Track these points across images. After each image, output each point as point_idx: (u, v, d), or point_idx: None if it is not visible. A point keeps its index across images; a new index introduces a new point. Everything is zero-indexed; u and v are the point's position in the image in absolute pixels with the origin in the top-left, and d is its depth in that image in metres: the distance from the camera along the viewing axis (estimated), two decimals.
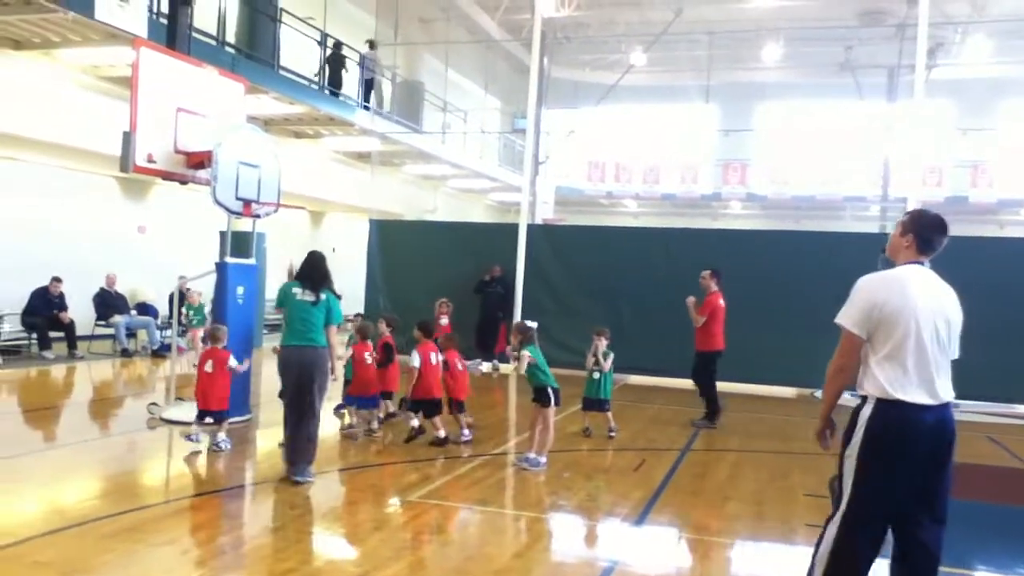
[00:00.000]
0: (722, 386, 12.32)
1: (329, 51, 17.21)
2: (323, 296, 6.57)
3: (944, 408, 3.55)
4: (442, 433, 7.86)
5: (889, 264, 3.84)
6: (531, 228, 14.71)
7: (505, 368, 13.85)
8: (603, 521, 5.96)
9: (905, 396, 3.49)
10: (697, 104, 26.79)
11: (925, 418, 3.50)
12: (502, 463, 7.69)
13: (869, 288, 3.66)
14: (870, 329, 3.59)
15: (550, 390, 7.29)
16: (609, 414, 8.81)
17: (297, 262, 6.92)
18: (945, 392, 3.57)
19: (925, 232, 3.75)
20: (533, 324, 8.19)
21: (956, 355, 3.69)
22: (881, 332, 3.56)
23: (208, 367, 7.47)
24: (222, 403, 7.47)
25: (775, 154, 27.92)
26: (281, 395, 6.81)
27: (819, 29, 22.69)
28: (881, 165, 23.75)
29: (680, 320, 12.93)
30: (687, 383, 12.69)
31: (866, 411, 3.58)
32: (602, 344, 8.73)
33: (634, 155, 28.15)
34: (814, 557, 3.73)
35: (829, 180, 25.98)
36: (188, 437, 7.48)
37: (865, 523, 3.58)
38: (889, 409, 3.50)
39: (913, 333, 3.53)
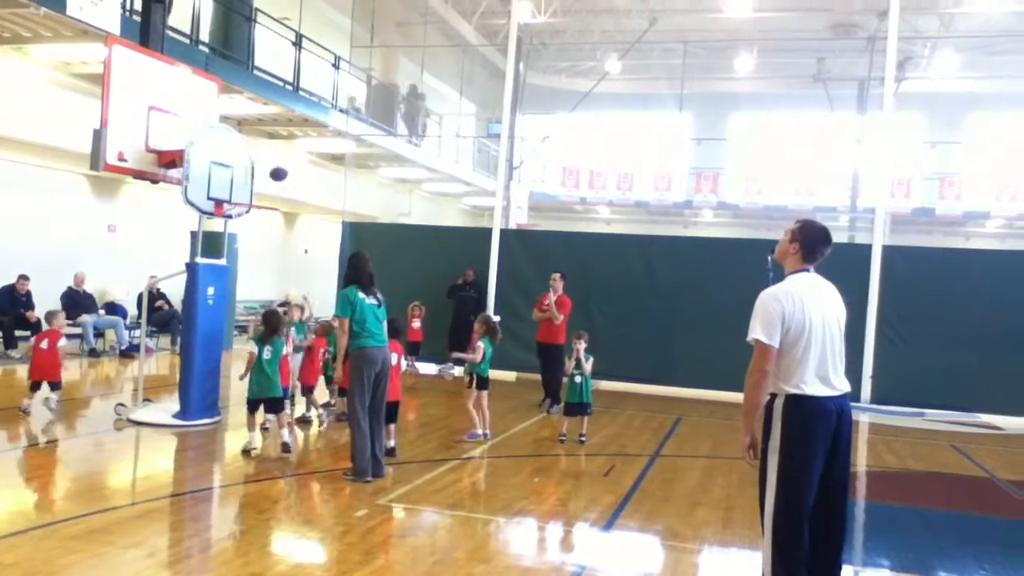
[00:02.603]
0: (693, 393, 12.48)
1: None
2: (382, 298, 6.86)
3: (842, 397, 4.10)
4: (391, 443, 7.59)
5: (776, 265, 4.31)
6: (505, 233, 14.74)
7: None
8: (572, 526, 5.98)
9: (808, 390, 4.02)
10: (671, 112, 26.98)
11: (827, 406, 4.03)
12: (475, 467, 7.70)
13: (775, 303, 4.06)
14: (781, 338, 4.03)
15: (479, 377, 8.50)
16: (585, 419, 8.82)
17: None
18: (840, 383, 4.10)
19: (810, 242, 4.17)
20: (497, 318, 8.74)
21: (842, 346, 4.17)
22: (787, 341, 4.04)
23: (44, 344, 8.87)
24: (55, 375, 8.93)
25: (747, 163, 28.19)
26: (348, 400, 6.92)
27: (791, 40, 22.97)
28: (850, 176, 24.05)
29: (653, 326, 13.10)
30: (659, 389, 12.82)
31: (778, 405, 4.08)
32: (582, 347, 8.76)
33: (608, 162, 28.28)
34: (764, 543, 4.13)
35: (800, 190, 26.29)
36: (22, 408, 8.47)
37: (793, 493, 4.01)
38: (799, 401, 4.02)
39: (812, 338, 4.03)
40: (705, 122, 28.68)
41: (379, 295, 6.85)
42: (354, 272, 6.84)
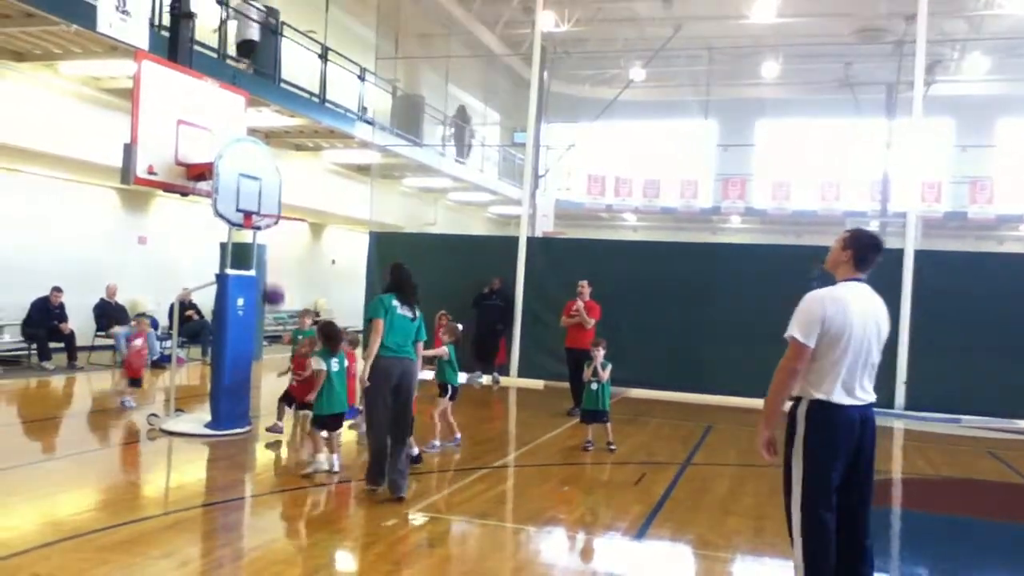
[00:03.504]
0: (723, 400, 12.37)
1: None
2: (419, 313, 6.63)
3: (866, 407, 4.10)
4: (415, 450, 7.48)
5: (825, 275, 4.27)
6: (531, 241, 14.73)
7: (505, 380, 13.85)
8: (603, 535, 5.94)
9: (834, 399, 4.03)
10: (696, 119, 26.90)
11: (851, 414, 4.04)
12: (502, 476, 7.68)
13: (818, 305, 4.05)
14: (817, 341, 4.02)
15: (451, 388, 8.40)
16: (608, 427, 8.78)
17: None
18: (864, 395, 4.10)
19: (862, 250, 4.16)
20: (460, 326, 8.98)
21: (878, 359, 4.16)
22: (823, 345, 4.02)
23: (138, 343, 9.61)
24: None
25: (775, 169, 27.99)
26: (366, 407, 6.65)
27: (818, 46, 22.80)
28: (880, 181, 23.80)
29: (681, 334, 13.01)
30: (687, 397, 12.72)
31: (802, 411, 4.10)
32: (600, 355, 8.73)
33: (634, 169, 28.20)
34: (793, 548, 4.12)
35: (828, 195, 26.04)
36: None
37: (819, 497, 4.03)
38: (824, 408, 4.04)
39: (848, 348, 4.01)
40: (731, 128, 28.55)
41: (416, 310, 6.63)
42: (395, 282, 6.62)
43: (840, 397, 4.02)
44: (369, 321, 6.48)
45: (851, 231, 4.29)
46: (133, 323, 10.64)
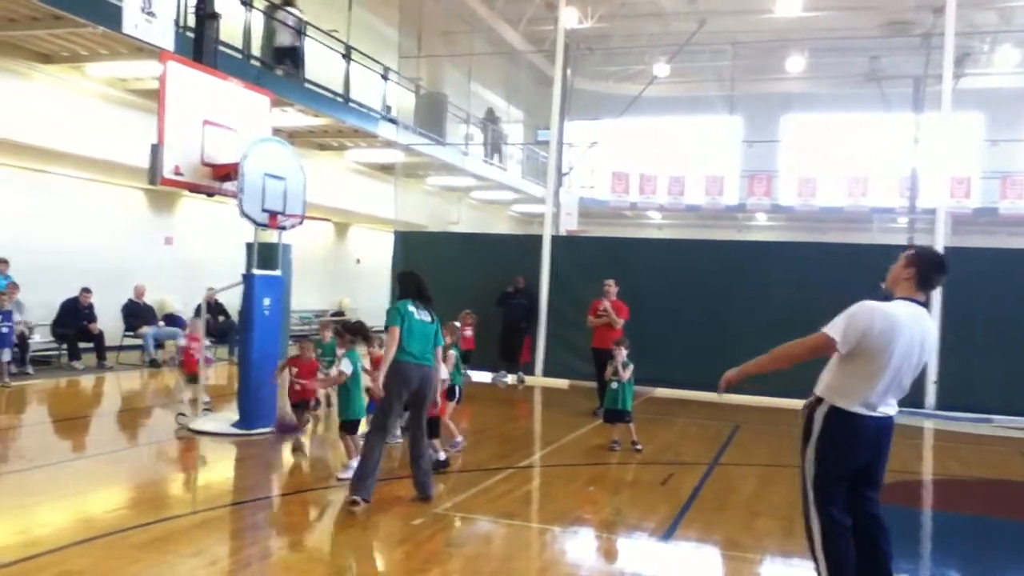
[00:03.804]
0: (750, 400, 12.25)
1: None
2: (436, 317, 6.51)
3: (886, 418, 4.08)
4: (442, 455, 7.44)
5: (886, 293, 4.17)
6: (555, 239, 14.70)
7: (530, 380, 13.83)
8: (629, 536, 5.90)
9: (853, 409, 3.99)
10: (721, 115, 26.69)
11: (869, 423, 4.02)
12: (528, 476, 7.66)
13: (868, 316, 3.96)
14: (852, 349, 3.94)
15: (458, 390, 8.20)
16: (632, 427, 8.71)
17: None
18: (887, 409, 4.06)
19: (927, 270, 4.08)
20: (458, 324, 8.92)
21: (908, 385, 4.12)
22: (860, 356, 3.94)
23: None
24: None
25: (801, 165, 27.72)
26: (380, 411, 6.35)
27: (844, 40, 22.54)
28: (908, 176, 23.50)
29: (707, 332, 12.92)
30: (714, 396, 12.59)
31: (820, 413, 4.07)
32: (621, 355, 8.68)
33: (658, 166, 28.04)
34: (812, 548, 4.13)
35: (856, 192, 25.74)
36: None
37: (832, 498, 4.05)
38: (842, 416, 4.01)
39: (887, 368, 3.94)
40: (756, 124, 28.30)
41: (433, 313, 6.51)
42: (409, 287, 6.50)
43: (861, 410, 3.99)
44: (386, 329, 6.32)
45: (917, 249, 4.22)
46: (188, 326, 11.11)
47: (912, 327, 3.99)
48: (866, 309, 3.98)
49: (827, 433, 4.04)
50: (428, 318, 6.41)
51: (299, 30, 15.09)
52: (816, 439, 4.07)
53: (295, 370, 8.17)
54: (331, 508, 6.31)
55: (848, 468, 4.06)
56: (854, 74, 24.92)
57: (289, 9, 14.95)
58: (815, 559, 4.10)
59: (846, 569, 4.03)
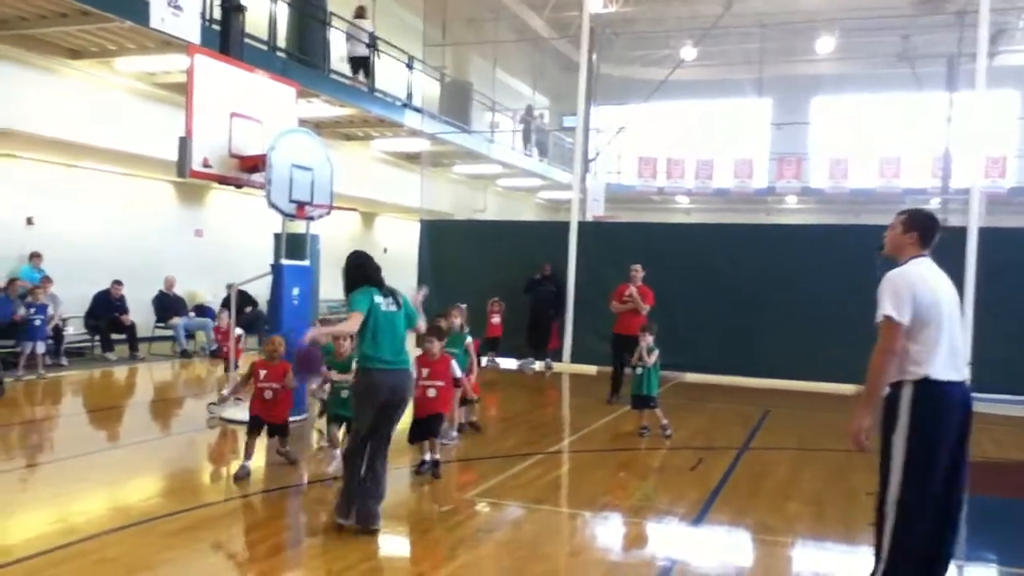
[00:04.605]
0: (781, 384, 12.15)
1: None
2: (401, 300, 5.45)
3: (964, 384, 4.02)
4: (437, 455, 6.76)
5: (887, 262, 4.17)
6: (582, 226, 14.62)
7: (558, 367, 13.81)
8: (660, 521, 5.87)
9: (942, 376, 3.90)
10: (750, 98, 26.39)
11: (955, 393, 3.95)
12: (557, 462, 7.66)
13: (903, 280, 3.96)
14: (911, 318, 3.90)
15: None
16: (659, 412, 8.61)
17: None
18: (966, 370, 4.06)
19: (927, 227, 4.13)
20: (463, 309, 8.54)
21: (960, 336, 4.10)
22: (917, 322, 3.91)
23: None
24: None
25: (831, 147, 27.37)
26: (354, 433, 5.55)
27: (875, 19, 22.16)
28: (941, 157, 23.11)
29: (737, 317, 12.81)
30: (744, 381, 12.52)
31: (906, 395, 3.93)
32: (648, 340, 8.61)
33: (686, 150, 27.82)
34: (879, 544, 3.97)
35: (888, 173, 25.37)
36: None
37: (924, 489, 3.91)
38: (929, 389, 3.89)
39: (944, 320, 3.94)
40: (786, 107, 27.99)
41: (399, 298, 5.43)
42: (363, 274, 5.37)
43: (948, 373, 3.91)
44: (349, 311, 5.26)
45: (908, 212, 4.23)
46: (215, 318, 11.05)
47: (940, 278, 4.06)
48: (896, 275, 4.00)
49: (917, 411, 3.91)
50: (394, 306, 5.36)
51: (371, 44, 16.18)
52: (906, 421, 3.91)
53: (263, 373, 6.90)
54: None
55: (944, 444, 3.92)
56: (885, 54, 24.52)
57: (359, 23, 15.88)
58: (879, 544, 3.98)
59: (913, 555, 3.92)
